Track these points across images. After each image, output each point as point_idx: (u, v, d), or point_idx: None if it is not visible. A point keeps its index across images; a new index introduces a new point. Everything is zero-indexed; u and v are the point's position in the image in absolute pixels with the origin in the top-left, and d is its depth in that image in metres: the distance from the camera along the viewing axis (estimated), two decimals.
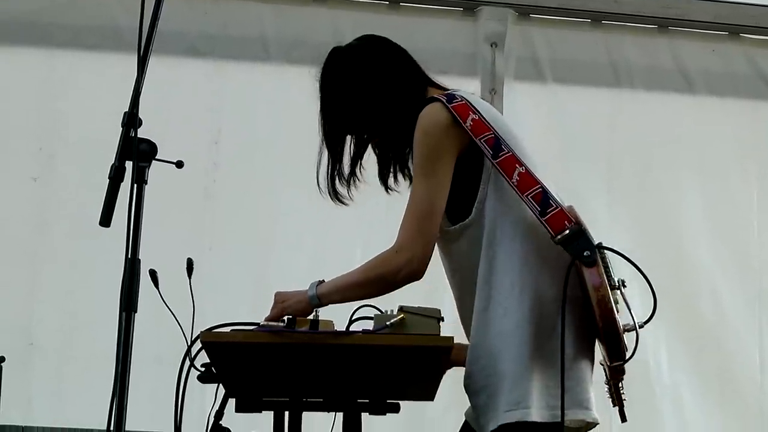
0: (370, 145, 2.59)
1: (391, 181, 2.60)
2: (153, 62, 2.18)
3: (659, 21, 4.82)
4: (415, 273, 2.34)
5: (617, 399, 2.34)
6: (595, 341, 2.36)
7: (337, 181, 2.56)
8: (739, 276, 4.76)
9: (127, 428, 2.03)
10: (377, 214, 4.18)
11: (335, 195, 2.57)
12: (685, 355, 4.62)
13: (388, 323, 2.26)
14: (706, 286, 4.70)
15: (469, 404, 2.44)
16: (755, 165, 4.85)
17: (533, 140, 2.50)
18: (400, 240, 2.35)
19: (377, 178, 2.61)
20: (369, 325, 2.32)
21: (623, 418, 2.33)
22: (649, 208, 4.75)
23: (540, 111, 4.70)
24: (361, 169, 2.57)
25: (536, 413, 2.25)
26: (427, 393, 2.61)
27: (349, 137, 2.57)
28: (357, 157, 2.57)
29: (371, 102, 2.49)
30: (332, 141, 2.56)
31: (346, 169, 2.57)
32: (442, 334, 2.29)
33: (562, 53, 4.79)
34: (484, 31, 4.68)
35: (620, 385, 2.34)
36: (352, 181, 2.57)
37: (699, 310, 4.65)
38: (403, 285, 2.36)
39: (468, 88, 2.56)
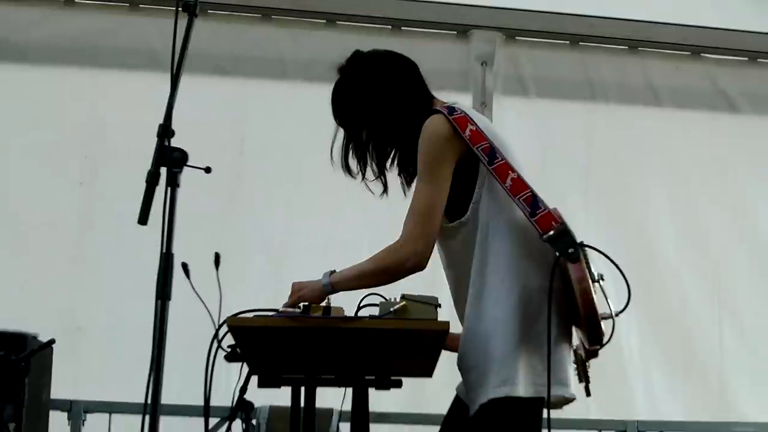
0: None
1: (384, 175, 2.56)
2: (184, 80, 2.18)
3: (630, 42, 4.82)
4: (419, 265, 2.33)
5: (584, 376, 2.35)
6: (572, 327, 2.36)
7: (349, 156, 2.52)
8: (699, 268, 4.76)
9: (162, 402, 2.04)
10: (381, 217, 4.16)
11: (347, 168, 2.53)
12: (653, 339, 4.61)
13: (391, 309, 2.26)
14: (671, 278, 4.69)
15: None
16: (714, 169, 4.84)
17: (518, 148, 2.49)
18: (405, 236, 2.33)
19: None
20: (375, 311, 2.31)
21: (588, 393, 2.34)
22: (621, 209, 4.75)
23: (524, 122, 4.69)
24: (375, 158, 2.52)
25: (522, 389, 2.25)
26: (426, 370, 2.60)
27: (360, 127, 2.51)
28: (367, 144, 2.52)
29: (380, 105, 2.46)
30: (345, 126, 2.52)
31: (359, 149, 2.51)
32: (439, 319, 2.28)
33: (545, 71, 4.79)
34: (475, 52, 4.68)
35: (587, 364, 2.35)
36: (363, 159, 2.52)
37: (665, 299, 4.64)
38: (408, 275, 2.35)
39: (461, 102, 2.54)
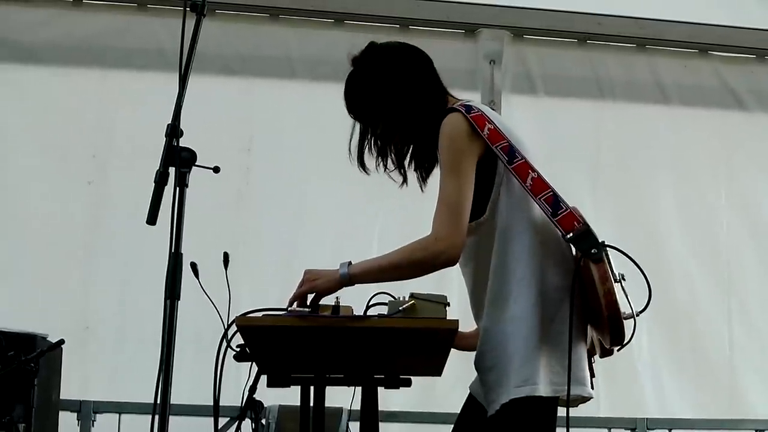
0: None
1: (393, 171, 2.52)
2: (192, 80, 2.17)
3: (637, 40, 4.82)
4: (453, 259, 2.28)
5: (591, 372, 2.34)
6: (587, 326, 2.34)
7: (365, 153, 2.46)
8: (709, 265, 4.75)
9: (171, 402, 2.03)
10: (390, 215, 4.20)
11: (361, 164, 2.47)
12: (662, 336, 4.60)
13: (400, 308, 2.24)
14: (680, 275, 4.68)
15: (472, 378, 2.43)
16: (723, 166, 4.84)
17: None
18: (439, 230, 2.27)
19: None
20: (384, 310, 2.29)
21: (591, 387, 2.33)
22: (629, 206, 4.74)
23: (532, 120, 4.68)
24: (393, 151, 2.46)
25: (542, 389, 2.23)
26: (436, 369, 2.59)
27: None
28: (383, 137, 2.46)
29: (395, 98, 2.42)
30: (359, 120, 2.48)
31: (375, 145, 2.46)
32: (448, 318, 2.27)
33: (553, 69, 4.78)
34: (483, 51, 4.68)
35: (593, 359, 2.35)
36: (383, 153, 2.46)
37: (674, 297, 4.63)
38: (440, 269, 2.30)
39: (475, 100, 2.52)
